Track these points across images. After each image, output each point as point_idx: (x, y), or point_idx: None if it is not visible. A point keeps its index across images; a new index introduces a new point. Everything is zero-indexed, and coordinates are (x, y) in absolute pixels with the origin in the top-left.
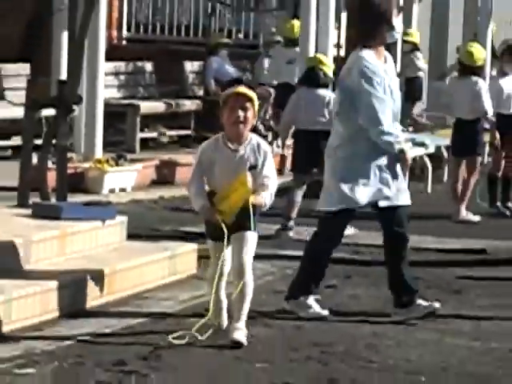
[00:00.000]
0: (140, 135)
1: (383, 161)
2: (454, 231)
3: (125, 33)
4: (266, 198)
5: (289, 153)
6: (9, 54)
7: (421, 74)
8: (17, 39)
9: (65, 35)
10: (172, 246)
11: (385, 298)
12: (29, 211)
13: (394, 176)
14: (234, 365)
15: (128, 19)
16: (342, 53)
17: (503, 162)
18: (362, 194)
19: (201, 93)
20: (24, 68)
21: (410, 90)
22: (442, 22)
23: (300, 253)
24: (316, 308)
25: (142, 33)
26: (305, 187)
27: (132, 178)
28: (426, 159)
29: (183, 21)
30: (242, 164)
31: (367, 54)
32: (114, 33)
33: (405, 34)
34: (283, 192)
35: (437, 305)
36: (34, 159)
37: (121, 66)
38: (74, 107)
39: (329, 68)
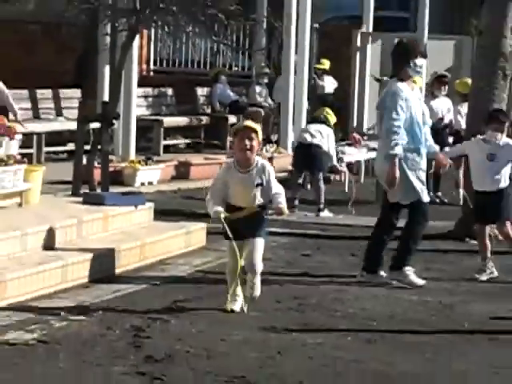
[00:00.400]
0: (163, 142)
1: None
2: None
3: (152, 66)
4: (284, 205)
5: None
6: (65, 82)
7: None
8: (71, 71)
9: (107, 68)
10: (187, 224)
11: (346, 263)
12: (80, 199)
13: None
14: (234, 314)
15: (154, 56)
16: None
17: (433, 162)
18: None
19: (208, 111)
20: (76, 92)
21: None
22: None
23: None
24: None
25: (164, 66)
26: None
27: (157, 174)
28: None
29: (195, 57)
30: (250, 183)
31: (399, 83)
32: (144, 66)
33: (318, 62)
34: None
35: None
36: (84, 160)
37: (149, 91)
38: (114, 122)
39: (331, 116)
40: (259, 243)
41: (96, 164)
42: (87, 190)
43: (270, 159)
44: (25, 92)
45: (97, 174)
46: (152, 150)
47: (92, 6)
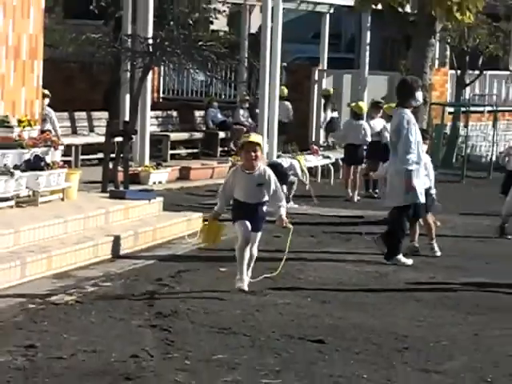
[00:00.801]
0: (170, 152)
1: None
2: (345, 205)
3: (161, 94)
4: (285, 218)
5: None
6: (96, 107)
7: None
8: (101, 98)
9: (127, 96)
10: (188, 214)
11: (308, 242)
12: (107, 195)
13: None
14: (222, 280)
15: (163, 87)
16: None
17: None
18: None
19: (204, 128)
20: (104, 114)
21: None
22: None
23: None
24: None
25: (170, 94)
26: None
27: (165, 176)
28: (330, 165)
29: (193, 88)
30: (253, 182)
31: (407, 111)
32: (155, 94)
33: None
34: None
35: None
36: (110, 165)
37: (159, 113)
38: (133, 136)
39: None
40: (257, 236)
41: (119, 168)
42: (113, 188)
43: None
44: (66, 114)
45: (120, 175)
46: (161, 158)
47: (116, 50)
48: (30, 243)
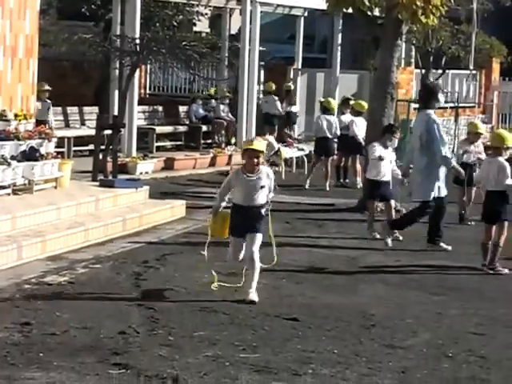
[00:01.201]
0: (156, 144)
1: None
2: (318, 194)
3: (148, 91)
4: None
5: None
6: (87, 102)
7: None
8: (91, 94)
9: (116, 92)
10: (172, 201)
11: (283, 228)
12: (97, 183)
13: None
14: (204, 262)
15: (150, 84)
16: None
17: (343, 159)
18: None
19: (187, 122)
20: (95, 109)
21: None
22: (310, 85)
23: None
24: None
25: (156, 91)
26: None
27: (151, 166)
28: (304, 157)
29: (178, 84)
30: (255, 185)
31: (430, 112)
32: (142, 90)
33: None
34: None
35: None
36: (100, 156)
37: (145, 108)
38: (121, 129)
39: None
40: (258, 237)
41: (108, 159)
42: (102, 177)
43: (230, 156)
44: (59, 109)
45: (109, 166)
46: (148, 149)
47: (106, 49)
48: (25, 228)
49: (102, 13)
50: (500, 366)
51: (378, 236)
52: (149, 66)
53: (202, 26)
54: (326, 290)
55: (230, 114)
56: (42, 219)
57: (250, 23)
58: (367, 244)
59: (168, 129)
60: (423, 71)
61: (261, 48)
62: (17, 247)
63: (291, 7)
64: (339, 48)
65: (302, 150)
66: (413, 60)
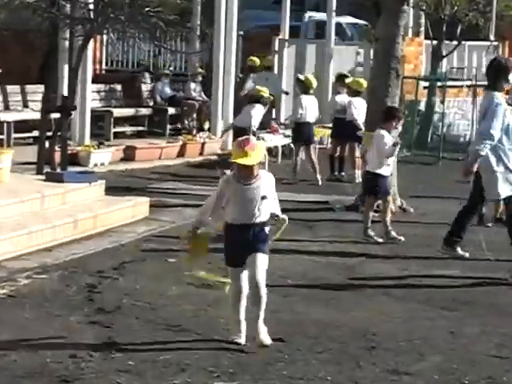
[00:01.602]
0: (113, 130)
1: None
2: (308, 190)
3: (104, 66)
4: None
5: None
6: (31, 79)
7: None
8: (36, 70)
9: (66, 67)
10: (133, 198)
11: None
12: (43, 177)
13: None
14: (171, 271)
15: (106, 58)
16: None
17: (339, 148)
18: None
19: (151, 103)
20: (40, 88)
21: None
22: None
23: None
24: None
25: (114, 66)
26: None
27: (108, 156)
28: (292, 145)
29: (140, 59)
30: (253, 195)
31: (497, 94)
32: (97, 66)
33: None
34: None
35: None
36: (47, 145)
37: (101, 87)
38: (72, 112)
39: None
40: (263, 259)
41: (56, 148)
42: (49, 170)
43: (203, 144)
44: None
45: (57, 156)
46: (104, 136)
47: (53, 15)
48: None
49: None
50: None
51: (380, 240)
52: (105, 37)
53: None
54: (319, 304)
55: (202, 94)
56: None
57: None
58: (367, 250)
59: (128, 112)
60: (434, 43)
61: (240, 15)
62: None
63: None
64: (334, 14)
65: (289, 136)
66: (422, 29)
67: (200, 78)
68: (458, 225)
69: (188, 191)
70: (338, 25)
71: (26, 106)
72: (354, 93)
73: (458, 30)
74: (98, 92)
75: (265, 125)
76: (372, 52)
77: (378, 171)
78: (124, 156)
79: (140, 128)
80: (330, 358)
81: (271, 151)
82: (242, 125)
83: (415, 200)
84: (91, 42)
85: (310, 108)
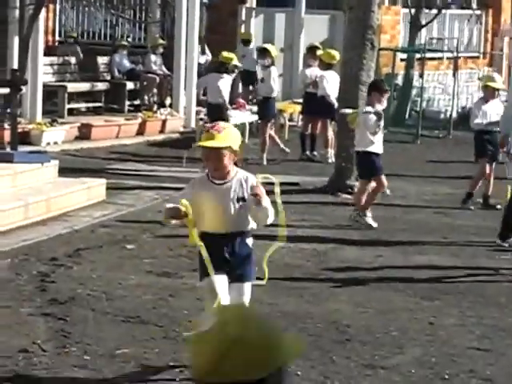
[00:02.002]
0: (67, 106)
1: None
2: (278, 170)
3: (57, 37)
4: (264, 198)
5: None
6: None
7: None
8: None
9: (16, 38)
10: (89, 180)
11: None
12: None
13: None
14: (129, 259)
15: (59, 28)
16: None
17: (310, 125)
18: None
19: (108, 78)
20: None
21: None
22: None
23: (174, 185)
24: None
25: (68, 37)
26: None
27: (62, 135)
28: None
29: (96, 29)
30: (228, 198)
31: None
32: (50, 37)
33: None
34: None
35: None
36: None
37: (54, 59)
38: (22, 87)
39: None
40: (247, 288)
41: (6, 125)
42: None
43: (164, 122)
44: None
45: (6, 134)
46: (57, 113)
47: None
48: None
49: None
50: None
51: (375, 224)
52: (58, 5)
53: None
54: (288, 294)
55: (163, 67)
56: None
57: None
58: (339, 235)
59: (83, 86)
60: (413, 11)
61: None
62: None
63: None
64: None
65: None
66: None
67: (161, 50)
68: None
69: (148, 172)
70: None
71: None
72: (326, 66)
73: None
74: (51, 65)
75: (231, 100)
76: (345, 21)
77: (369, 149)
78: (79, 134)
79: (96, 104)
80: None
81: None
82: (216, 101)
83: (392, 181)
84: (43, 11)
85: (267, 80)
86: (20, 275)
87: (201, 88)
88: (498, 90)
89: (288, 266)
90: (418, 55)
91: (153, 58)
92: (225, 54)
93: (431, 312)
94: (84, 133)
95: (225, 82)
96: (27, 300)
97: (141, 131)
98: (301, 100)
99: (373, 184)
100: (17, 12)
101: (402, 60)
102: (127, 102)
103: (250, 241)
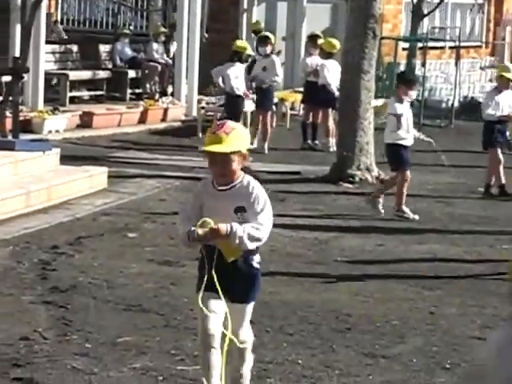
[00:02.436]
0: (69, 94)
1: None
2: (280, 159)
3: (59, 25)
4: (236, 231)
5: None
6: None
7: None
8: None
9: (18, 26)
10: (91, 168)
11: None
12: None
13: None
14: (131, 247)
15: (61, 16)
16: None
17: (311, 114)
18: None
19: (110, 66)
20: None
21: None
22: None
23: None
24: None
25: (70, 25)
26: None
27: (63, 123)
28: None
29: (98, 17)
30: (227, 204)
31: None
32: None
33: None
34: None
35: None
36: None
37: (56, 47)
38: (24, 75)
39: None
40: (249, 310)
41: (7, 113)
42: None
43: (166, 110)
44: None
45: (8, 122)
46: (59, 101)
47: None
48: None
49: None
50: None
51: (414, 216)
52: None
53: None
54: (289, 283)
55: (165, 56)
56: None
57: None
58: (341, 223)
59: (85, 74)
60: (415, 0)
61: None
62: None
63: None
64: None
65: None
66: None
67: (163, 39)
68: None
69: (149, 161)
70: None
71: None
72: (327, 55)
73: None
74: (53, 53)
75: None
76: (347, 10)
77: (397, 142)
78: (81, 123)
79: (98, 92)
80: (301, 340)
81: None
82: (232, 90)
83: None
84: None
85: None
86: (21, 263)
87: (217, 77)
88: None
89: (289, 254)
90: (420, 44)
91: (155, 46)
92: (238, 42)
93: (432, 301)
94: (86, 121)
95: (236, 70)
96: (28, 288)
97: (142, 119)
98: (302, 89)
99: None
100: (19, 0)
101: (403, 49)
102: (129, 91)
103: (255, 258)
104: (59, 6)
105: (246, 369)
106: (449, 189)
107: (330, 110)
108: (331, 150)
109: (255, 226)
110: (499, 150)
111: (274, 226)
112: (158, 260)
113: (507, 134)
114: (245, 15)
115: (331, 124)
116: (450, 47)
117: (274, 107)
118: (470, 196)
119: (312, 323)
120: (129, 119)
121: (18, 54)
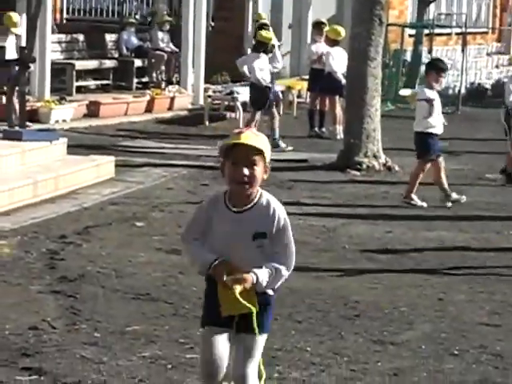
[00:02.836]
0: (75, 84)
1: None
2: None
3: (65, 15)
4: (260, 276)
5: None
6: None
7: None
8: None
9: (24, 16)
10: (98, 158)
11: None
12: (0, 135)
13: None
14: (139, 236)
15: (67, 6)
16: None
17: (318, 101)
18: None
19: (116, 55)
20: None
21: None
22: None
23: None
24: None
25: (76, 15)
26: None
27: (70, 112)
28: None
29: (104, 6)
30: (244, 231)
31: None
32: (58, 15)
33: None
34: None
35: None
36: (3, 100)
37: (62, 37)
38: (30, 65)
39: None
40: (260, 343)
41: (14, 103)
42: (6, 127)
43: (172, 99)
44: None
45: (15, 112)
46: (65, 91)
47: None
48: None
49: None
50: None
51: (425, 204)
52: None
53: None
54: (297, 270)
55: (171, 45)
56: None
57: None
58: (348, 211)
59: (91, 64)
60: None
61: None
62: None
63: None
64: None
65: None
66: None
67: (167, 27)
68: None
69: (156, 150)
70: None
71: None
72: (332, 42)
73: None
74: (59, 43)
75: None
76: None
77: (427, 130)
78: (87, 112)
79: (104, 82)
80: (309, 327)
81: (245, 106)
82: (257, 81)
83: (400, 157)
84: None
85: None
86: (29, 253)
87: (242, 67)
88: None
89: (297, 242)
90: (426, 31)
91: (160, 35)
92: (264, 33)
93: (440, 288)
94: (92, 110)
95: (261, 62)
96: (37, 278)
97: (149, 108)
98: (308, 76)
99: (428, 165)
100: None
101: (410, 36)
102: (135, 80)
103: (272, 295)
104: None
105: None
106: (456, 175)
107: (338, 97)
108: (338, 137)
109: (280, 268)
110: None
111: None
112: (166, 249)
113: None
114: (251, 3)
115: (338, 111)
116: (457, 33)
117: (280, 94)
118: (478, 182)
119: (320, 310)
120: (135, 108)
121: (24, 44)
